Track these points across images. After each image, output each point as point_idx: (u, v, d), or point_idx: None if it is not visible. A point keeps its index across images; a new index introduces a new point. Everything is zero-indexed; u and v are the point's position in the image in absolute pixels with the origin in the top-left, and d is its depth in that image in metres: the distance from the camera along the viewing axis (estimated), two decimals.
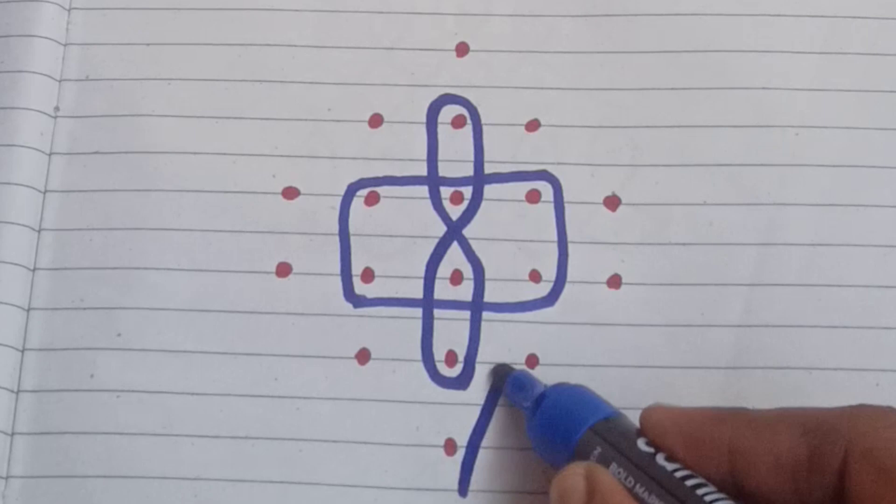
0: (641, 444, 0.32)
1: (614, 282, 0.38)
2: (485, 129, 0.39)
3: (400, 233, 0.38)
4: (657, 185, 0.39)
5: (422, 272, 0.38)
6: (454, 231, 0.38)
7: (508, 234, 0.38)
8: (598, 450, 0.32)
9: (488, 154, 0.39)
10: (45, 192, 0.39)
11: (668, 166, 0.39)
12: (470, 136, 0.39)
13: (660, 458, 0.31)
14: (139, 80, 0.40)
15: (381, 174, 0.39)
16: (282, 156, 0.39)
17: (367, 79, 0.40)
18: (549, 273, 0.38)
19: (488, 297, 0.37)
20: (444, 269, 0.38)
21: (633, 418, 0.34)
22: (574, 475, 0.31)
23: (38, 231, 0.38)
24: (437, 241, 0.38)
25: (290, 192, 0.39)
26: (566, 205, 0.38)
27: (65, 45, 0.41)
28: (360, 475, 0.36)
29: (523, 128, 0.39)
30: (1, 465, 0.36)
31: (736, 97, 0.39)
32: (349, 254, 0.38)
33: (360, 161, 0.39)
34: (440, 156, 0.39)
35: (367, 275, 0.38)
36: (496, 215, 0.38)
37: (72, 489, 0.36)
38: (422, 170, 0.39)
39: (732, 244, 0.38)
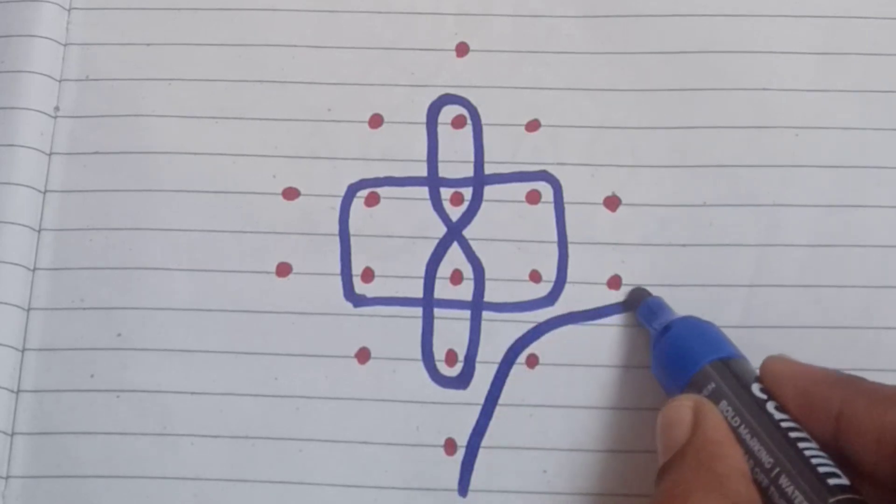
0: (756, 389, 0.32)
1: (614, 282, 0.38)
2: (485, 129, 0.39)
3: (400, 233, 0.38)
4: (657, 185, 0.39)
5: (422, 272, 0.38)
6: (454, 231, 0.38)
7: (508, 234, 0.38)
8: (713, 385, 0.32)
9: (488, 154, 0.39)
10: (45, 192, 0.39)
11: (668, 167, 0.39)
12: (470, 136, 0.39)
13: (770, 406, 0.31)
14: (139, 80, 0.40)
15: (381, 175, 0.39)
16: (282, 156, 0.39)
17: (367, 79, 0.40)
18: (549, 273, 0.38)
19: (488, 297, 0.37)
20: (445, 269, 0.38)
21: (636, 418, 0.34)
22: (682, 406, 0.31)
23: (38, 231, 0.38)
24: (437, 241, 0.38)
25: (291, 193, 0.39)
26: (566, 205, 0.38)
27: (65, 45, 0.41)
28: (359, 475, 0.36)
29: (523, 128, 0.39)
30: (1, 465, 0.36)
31: (736, 97, 0.39)
32: (349, 254, 0.38)
33: (360, 161, 0.39)
34: (440, 156, 0.39)
35: (367, 275, 0.38)
36: (496, 216, 0.38)
37: (72, 489, 0.36)
38: (422, 170, 0.39)
39: (732, 245, 0.38)
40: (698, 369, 0.33)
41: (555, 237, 0.38)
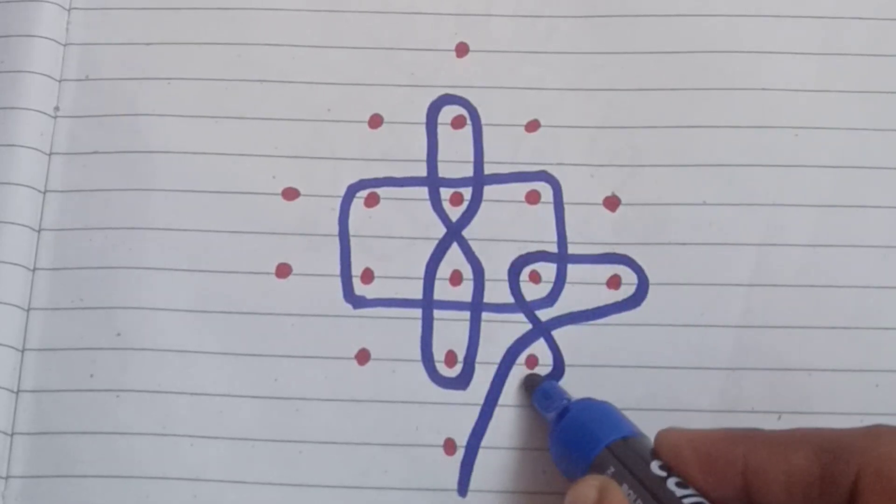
0: (655, 467, 0.32)
1: (614, 282, 0.38)
2: (485, 129, 0.39)
3: (400, 234, 0.38)
4: (657, 185, 0.39)
5: (421, 273, 0.38)
6: (454, 232, 0.38)
7: (508, 234, 0.38)
8: (612, 469, 0.32)
9: (488, 154, 0.39)
10: (45, 192, 0.39)
11: (667, 166, 0.39)
12: (470, 136, 0.39)
13: (671, 483, 0.31)
14: (139, 79, 0.40)
15: (380, 175, 0.39)
16: (282, 156, 0.39)
17: (367, 79, 0.40)
18: (549, 273, 0.38)
19: (488, 297, 0.37)
20: (444, 270, 0.38)
21: (635, 419, 0.34)
22: (589, 486, 0.31)
23: (38, 231, 0.38)
24: (436, 241, 0.38)
25: (290, 193, 0.39)
26: (566, 205, 0.38)
27: (65, 45, 0.41)
28: (359, 475, 0.36)
29: (523, 128, 0.39)
30: (1, 465, 0.36)
31: (736, 97, 0.39)
32: (349, 255, 0.38)
33: (360, 162, 0.39)
34: (440, 156, 0.39)
35: (367, 275, 0.38)
36: (496, 216, 0.38)
37: (72, 489, 0.36)
38: (421, 170, 0.39)
39: (732, 244, 0.38)
40: (597, 453, 0.33)
41: (554, 237, 0.38)
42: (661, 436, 0.32)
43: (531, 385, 0.37)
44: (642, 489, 0.31)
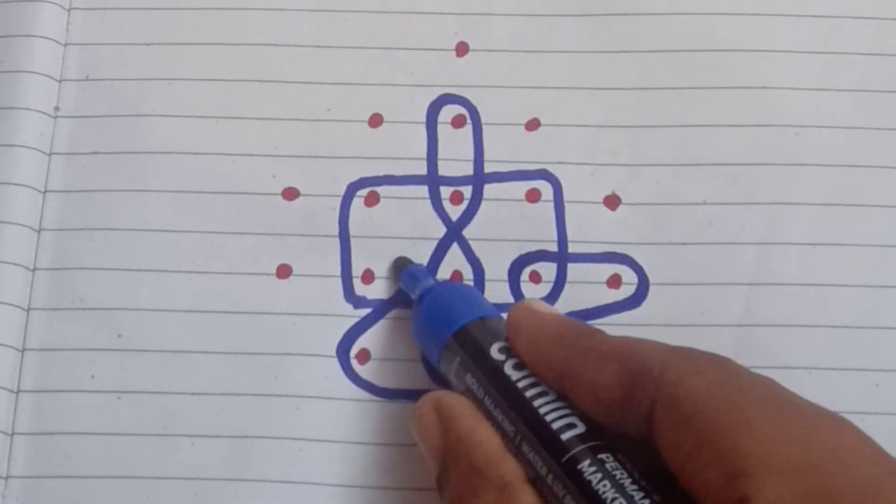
0: (495, 350, 0.32)
1: (614, 281, 0.38)
2: (485, 128, 0.39)
3: (400, 234, 0.38)
4: (657, 184, 0.39)
5: None
6: (454, 232, 0.38)
7: (508, 234, 0.38)
8: (458, 358, 0.32)
9: (488, 154, 0.39)
10: (45, 192, 0.39)
11: (668, 165, 0.39)
12: (470, 135, 0.39)
13: (508, 367, 0.31)
14: (139, 80, 0.40)
15: (380, 174, 0.39)
16: (282, 156, 0.39)
17: (367, 79, 0.40)
18: (549, 273, 0.38)
19: (488, 297, 0.37)
20: (444, 270, 0.38)
21: None
22: (425, 411, 0.32)
23: (38, 231, 0.38)
24: (436, 242, 0.38)
25: (290, 193, 0.39)
26: (566, 204, 0.38)
27: (65, 45, 0.40)
28: (360, 475, 0.36)
29: (523, 127, 0.39)
30: (1, 465, 0.36)
31: (736, 97, 0.39)
32: (349, 255, 0.38)
33: (360, 161, 0.39)
34: (440, 155, 0.39)
35: (368, 276, 0.38)
36: (496, 215, 0.38)
37: (72, 489, 0.36)
38: (421, 169, 0.39)
39: (732, 243, 0.38)
40: (447, 340, 0.33)
41: (554, 236, 0.38)
42: (511, 312, 0.33)
43: (399, 266, 0.37)
44: (482, 376, 0.31)
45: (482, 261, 0.38)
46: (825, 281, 0.37)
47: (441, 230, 0.38)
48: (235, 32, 0.40)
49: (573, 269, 0.38)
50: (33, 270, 0.38)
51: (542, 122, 0.39)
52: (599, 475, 0.28)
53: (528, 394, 0.30)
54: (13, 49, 0.40)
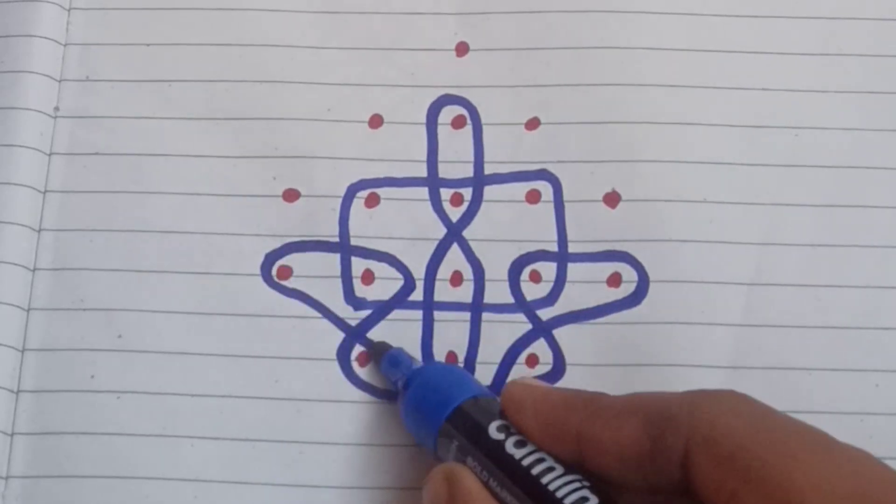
0: (493, 429, 0.31)
1: (614, 280, 0.38)
2: (485, 128, 0.39)
3: (400, 235, 0.38)
4: (657, 182, 0.39)
5: (422, 274, 0.38)
6: (454, 232, 0.38)
7: (508, 234, 0.38)
8: (455, 443, 0.32)
9: (488, 154, 0.39)
10: (45, 192, 0.39)
11: (668, 163, 0.39)
12: (470, 136, 0.39)
13: (509, 446, 0.31)
14: (139, 80, 0.40)
15: (381, 175, 0.39)
16: (282, 157, 0.39)
17: (367, 79, 0.40)
18: (549, 273, 0.38)
19: (488, 298, 0.37)
20: (444, 271, 0.38)
21: None
22: (436, 480, 0.31)
23: (38, 231, 0.38)
24: (437, 242, 0.38)
25: (291, 195, 0.39)
26: (566, 203, 0.38)
27: (65, 45, 0.40)
28: (360, 476, 0.36)
29: (523, 126, 0.39)
30: (1, 465, 0.36)
31: (736, 96, 0.39)
32: (349, 257, 0.38)
33: (360, 162, 0.39)
34: (440, 156, 0.39)
35: (368, 277, 0.38)
36: (496, 216, 0.38)
37: (72, 489, 0.36)
38: (422, 171, 0.39)
39: (733, 242, 0.38)
40: (440, 426, 0.33)
41: (555, 236, 0.38)
42: (506, 390, 0.32)
43: (378, 353, 0.36)
44: (484, 459, 0.31)
45: (482, 261, 0.38)
46: (825, 281, 0.38)
47: (441, 231, 0.38)
48: (236, 33, 0.40)
49: (573, 269, 0.38)
50: (33, 270, 0.38)
51: (542, 120, 0.39)
52: None
53: (535, 471, 0.30)
54: (13, 49, 0.40)
